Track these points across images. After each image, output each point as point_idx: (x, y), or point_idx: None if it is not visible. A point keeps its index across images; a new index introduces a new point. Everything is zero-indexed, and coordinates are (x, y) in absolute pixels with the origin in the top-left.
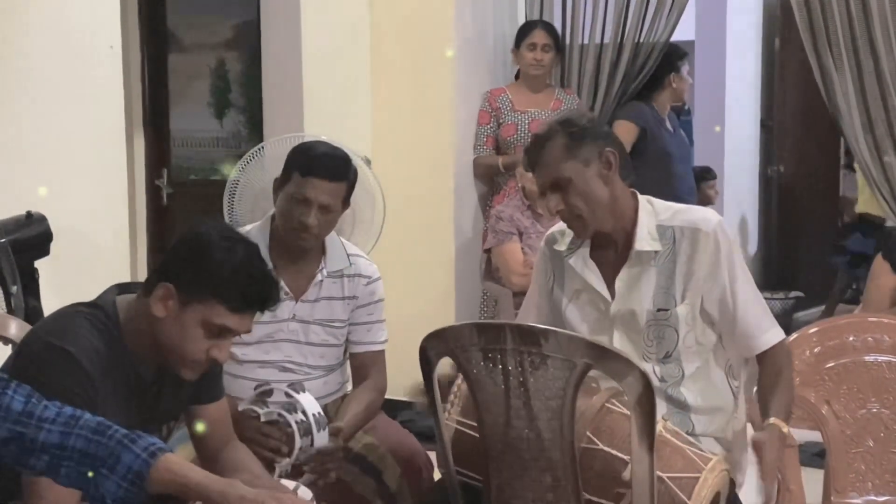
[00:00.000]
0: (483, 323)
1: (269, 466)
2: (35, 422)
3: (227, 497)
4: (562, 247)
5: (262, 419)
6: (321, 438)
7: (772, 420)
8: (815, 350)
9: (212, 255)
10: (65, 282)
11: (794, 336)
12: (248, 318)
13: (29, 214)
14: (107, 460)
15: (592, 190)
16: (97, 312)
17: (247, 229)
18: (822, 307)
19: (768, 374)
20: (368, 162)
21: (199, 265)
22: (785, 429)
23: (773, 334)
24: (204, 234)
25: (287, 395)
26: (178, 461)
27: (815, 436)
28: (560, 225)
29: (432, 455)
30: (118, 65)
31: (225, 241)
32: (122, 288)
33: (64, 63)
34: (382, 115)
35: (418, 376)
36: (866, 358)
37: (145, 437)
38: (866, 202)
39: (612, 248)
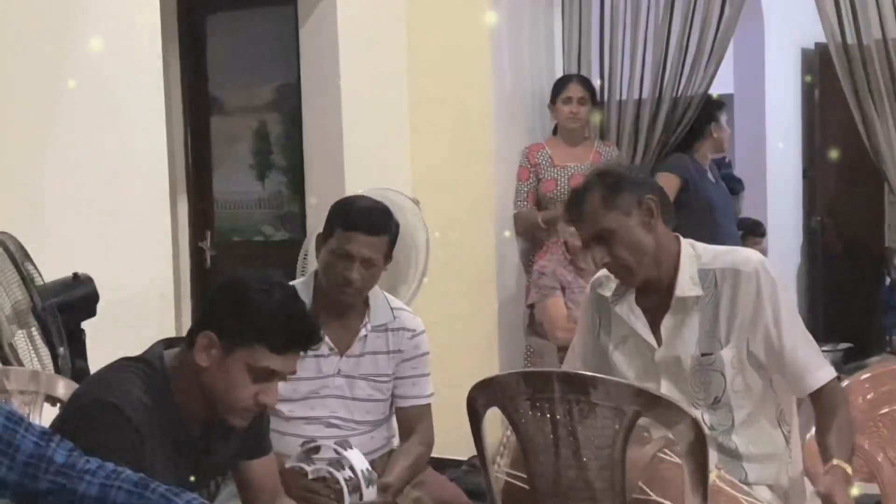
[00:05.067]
0: (530, 371)
1: None
2: (76, 474)
3: None
4: (607, 292)
5: (310, 476)
6: (370, 495)
7: (834, 462)
8: (868, 396)
9: (250, 300)
10: (111, 343)
11: (845, 383)
12: (291, 358)
13: (75, 276)
14: None
15: (637, 239)
16: (144, 367)
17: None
18: (874, 358)
19: (824, 413)
20: (417, 202)
21: (239, 310)
22: (849, 469)
23: (825, 372)
24: (240, 279)
25: (335, 451)
26: None
27: (871, 488)
28: (605, 269)
29: None
30: (161, 129)
31: (261, 284)
32: (168, 343)
33: (109, 128)
34: (422, 173)
35: (463, 433)
36: None
37: (186, 493)
38: None
39: (655, 294)
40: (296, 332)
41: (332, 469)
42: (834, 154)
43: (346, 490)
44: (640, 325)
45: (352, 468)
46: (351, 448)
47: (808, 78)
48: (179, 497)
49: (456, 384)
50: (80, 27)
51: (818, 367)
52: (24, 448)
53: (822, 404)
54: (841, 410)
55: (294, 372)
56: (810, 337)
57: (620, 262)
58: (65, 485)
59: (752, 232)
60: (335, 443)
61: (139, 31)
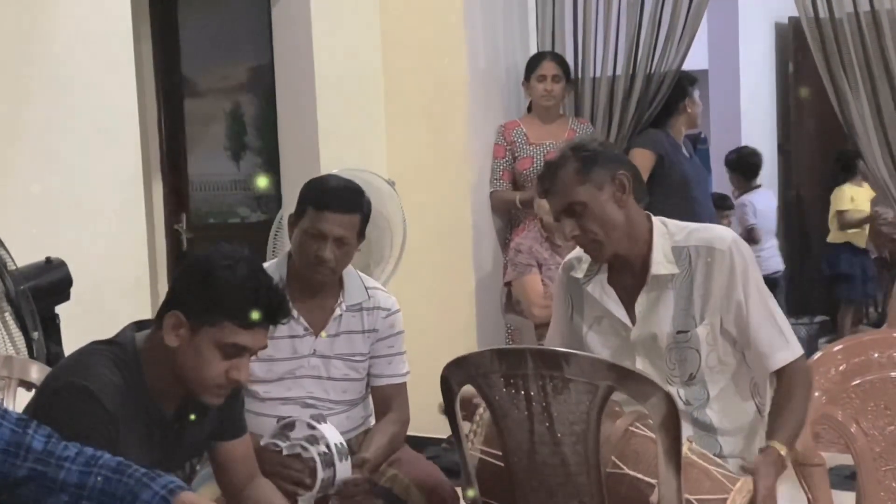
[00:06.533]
0: (504, 348)
1: (294, 500)
2: (55, 461)
3: None
4: (579, 274)
5: (285, 453)
6: (343, 469)
7: (772, 442)
8: (841, 368)
9: (215, 276)
10: (86, 327)
11: (818, 354)
12: (260, 333)
13: (48, 260)
14: (125, 499)
15: (607, 213)
16: (115, 350)
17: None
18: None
19: (781, 393)
20: (392, 183)
21: (204, 288)
22: (783, 451)
23: (788, 352)
24: (205, 257)
25: (309, 426)
26: (197, 498)
27: (846, 459)
28: (577, 251)
29: (460, 491)
30: (134, 111)
31: (226, 260)
32: (139, 325)
33: (81, 111)
34: (398, 152)
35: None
36: (892, 374)
37: (164, 475)
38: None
39: (629, 273)
40: (262, 306)
41: (306, 444)
42: (808, 128)
43: (319, 465)
44: (614, 304)
45: (325, 443)
46: (325, 422)
47: (790, 66)
48: (156, 481)
49: (434, 363)
50: (51, 9)
51: (782, 347)
52: (0, 435)
53: (781, 383)
54: (798, 393)
55: (265, 347)
56: (781, 316)
57: (590, 236)
58: (44, 472)
59: (718, 206)
60: (310, 416)
61: (110, 13)
